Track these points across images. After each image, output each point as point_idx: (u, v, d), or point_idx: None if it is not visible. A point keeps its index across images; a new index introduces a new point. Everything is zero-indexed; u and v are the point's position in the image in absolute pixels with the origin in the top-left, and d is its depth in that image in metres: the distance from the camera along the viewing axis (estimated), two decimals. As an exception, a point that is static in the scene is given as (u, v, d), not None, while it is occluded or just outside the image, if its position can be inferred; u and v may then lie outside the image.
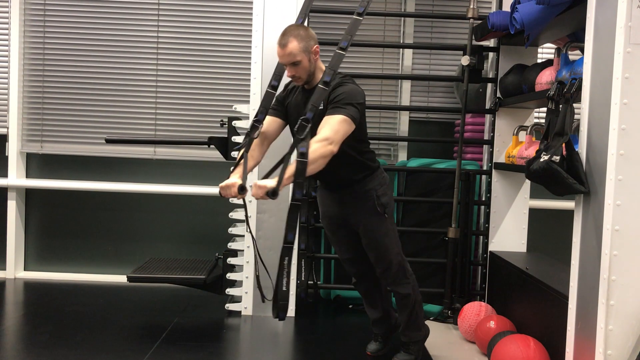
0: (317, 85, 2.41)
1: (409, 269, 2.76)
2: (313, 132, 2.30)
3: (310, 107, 2.28)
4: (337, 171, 2.53)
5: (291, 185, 2.20)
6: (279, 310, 2.26)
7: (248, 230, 2.63)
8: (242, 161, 2.40)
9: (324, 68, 2.49)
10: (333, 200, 2.70)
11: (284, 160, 2.24)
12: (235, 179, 2.29)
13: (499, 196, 3.56)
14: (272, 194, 2.13)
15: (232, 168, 2.47)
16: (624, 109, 2.01)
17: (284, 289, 2.22)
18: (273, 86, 2.56)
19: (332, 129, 2.28)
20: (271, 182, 2.16)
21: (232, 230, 3.65)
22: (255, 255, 2.46)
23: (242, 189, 2.25)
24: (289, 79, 2.58)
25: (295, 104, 2.57)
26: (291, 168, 2.18)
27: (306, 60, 2.42)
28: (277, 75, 2.59)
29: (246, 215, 2.57)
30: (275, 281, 2.24)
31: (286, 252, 2.21)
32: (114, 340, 3.03)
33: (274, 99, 2.60)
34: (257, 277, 2.45)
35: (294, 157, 2.22)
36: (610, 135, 2.05)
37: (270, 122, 2.59)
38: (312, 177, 2.68)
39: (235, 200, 3.58)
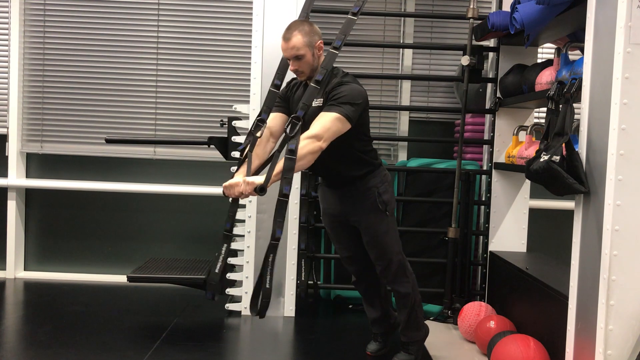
0: (319, 79, 2.42)
1: (409, 268, 2.76)
2: (305, 129, 2.32)
3: (302, 105, 2.32)
4: (339, 168, 2.57)
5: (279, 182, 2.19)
6: (262, 308, 2.22)
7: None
8: (245, 160, 2.42)
9: None
10: (334, 197, 2.70)
11: (273, 158, 2.25)
12: (238, 178, 2.29)
13: (499, 196, 3.56)
14: (260, 190, 2.15)
15: (236, 167, 2.49)
16: (624, 109, 2.01)
17: (267, 286, 2.19)
18: (276, 85, 2.58)
19: (323, 126, 2.29)
20: (259, 179, 2.17)
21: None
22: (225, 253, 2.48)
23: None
24: (290, 77, 2.60)
25: (297, 100, 2.57)
26: (280, 165, 2.19)
27: (309, 54, 2.44)
28: (280, 75, 2.62)
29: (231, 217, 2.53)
30: (258, 278, 2.22)
31: (272, 249, 2.17)
32: (114, 340, 3.03)
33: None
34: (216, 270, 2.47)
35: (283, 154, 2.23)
36: (610, 135, 2.05)
37: (275, 118, 2.59)
38: (313, 175, 2.69)
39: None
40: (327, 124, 2.30)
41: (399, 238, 2.72)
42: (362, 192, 2.60)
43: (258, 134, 2.45)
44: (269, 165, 2.24)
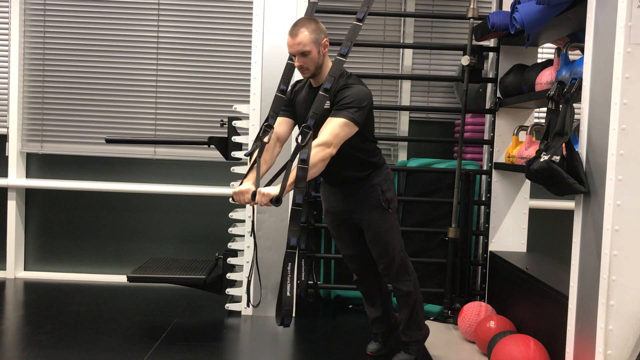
0: (326, 81, 2.43)
1: (411, 267, 2.77)
2: (315, 135, 2.33)
3: (312, 115, 2.31)
4: (342, 170, 2.58)
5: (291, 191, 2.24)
6: (284, 316, 2.23)
7: (252, 235, 2.63)
8: (254, 167, 2.42)
9: (330, 65, 2.51)
10: (337, 195, 2.71)
11: (287, 167, 2.27)
12: (248, 185, 2.33)
13: (499, 196, 3.56)
14: (276, 201, 2.19)
15: (246, 173, 2.48)
16: (624, 109, 2.01)
17: (288, 294, 2.19)
18: (282, 90, 2.59)
19: (332, 132, 2.31)
20: (274, 190, 2.21)
21: (232, 230, 3.65)
22: (253, 260, 2.46)
23: (254, 196, 2.27)
24: (293, 83, 2.63)
25: (301, 103, 2.58)
26: (293, 174, 2.22)
27: (315, 51, 2.43)
28: (285, 80, 2.61)
29: (253, 221, 2.66)
30: (279, 287, 2.24)
31: (289, 257, 2.20)
32: (113, 340, 3.03)
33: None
34: (248, 281, 2.46)
35: (295, 162, 2.26)
36: (610, 135, 2.05)
37: (280, 122, 2.61)
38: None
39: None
40: (335, 129, 2.31)
41: (401, 236, 2.74)
42: (365, 190, 2.62)
43: (265, 139, 2.45)
44: (283, 174, 2.26)
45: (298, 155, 2.24)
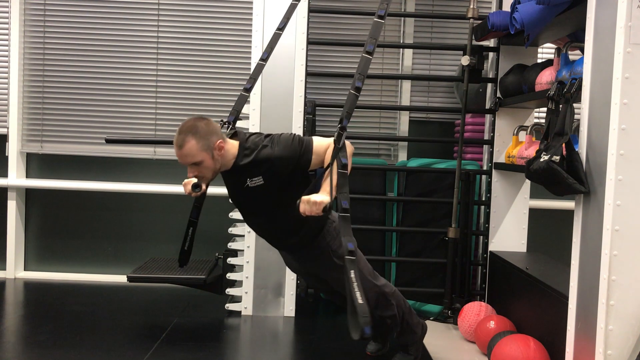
0: (239, 163, 2.31)
1: (389, 290, 2.64)
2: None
3: (346, 115, 2.20)
4: (284, 238, 2.46)
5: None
6: (363, 326, 2.08)
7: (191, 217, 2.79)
8: None
9: (236, 150, 2.34)
10: (290, 257, 2.67)
11: (329, 173, 2.15)
12: (193, 178, 2.37)
13: (499, 196, 3.56)
14: (330, 209, 2.10)
15: None
16: (624, 109, 2.01)
17: (360, 302, 2.04)
18: (246, 89, 2.58)
19: (319, 139, 2.30)
20: (326, 198, 2.09)
21: (232, 230, 3.65)
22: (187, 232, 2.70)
23: (194, 187, 2.35)
24: (266, 83, 2.62)
25: (229, 184, 2.50)
26: (334, 179, 2.12)
27: (209, 158, 2.24)
28: (252, 79, 2.66)
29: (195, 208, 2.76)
30: (349, 297, 2.06)
31: (350, 264, 2.08)
32: (114, 340, 3.03)
33: None
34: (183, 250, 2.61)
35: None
36: (610, 135, 2.05)
37: None
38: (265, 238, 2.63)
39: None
40: (320, 140, 2.28)
41: (370, 270, 2.59)
42: (316, 254, 2.50)
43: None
44: (324, 180, 2.17)
45: (336, 159, 2.13)
